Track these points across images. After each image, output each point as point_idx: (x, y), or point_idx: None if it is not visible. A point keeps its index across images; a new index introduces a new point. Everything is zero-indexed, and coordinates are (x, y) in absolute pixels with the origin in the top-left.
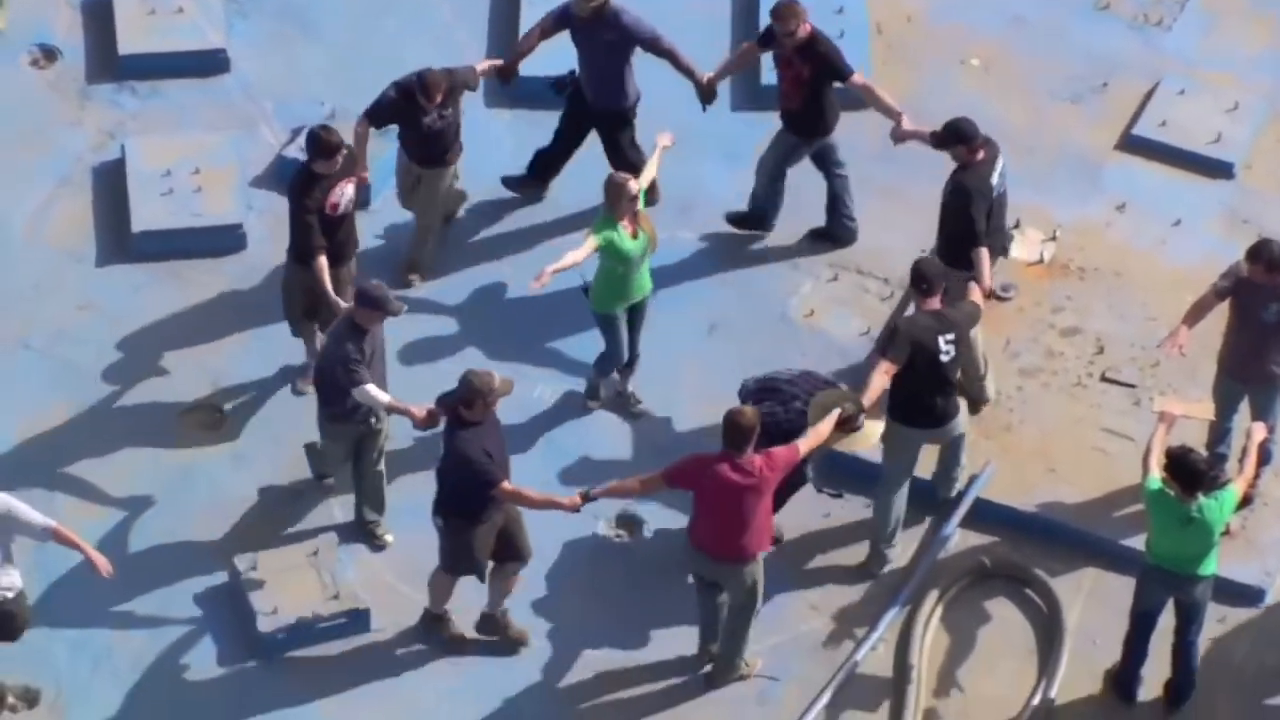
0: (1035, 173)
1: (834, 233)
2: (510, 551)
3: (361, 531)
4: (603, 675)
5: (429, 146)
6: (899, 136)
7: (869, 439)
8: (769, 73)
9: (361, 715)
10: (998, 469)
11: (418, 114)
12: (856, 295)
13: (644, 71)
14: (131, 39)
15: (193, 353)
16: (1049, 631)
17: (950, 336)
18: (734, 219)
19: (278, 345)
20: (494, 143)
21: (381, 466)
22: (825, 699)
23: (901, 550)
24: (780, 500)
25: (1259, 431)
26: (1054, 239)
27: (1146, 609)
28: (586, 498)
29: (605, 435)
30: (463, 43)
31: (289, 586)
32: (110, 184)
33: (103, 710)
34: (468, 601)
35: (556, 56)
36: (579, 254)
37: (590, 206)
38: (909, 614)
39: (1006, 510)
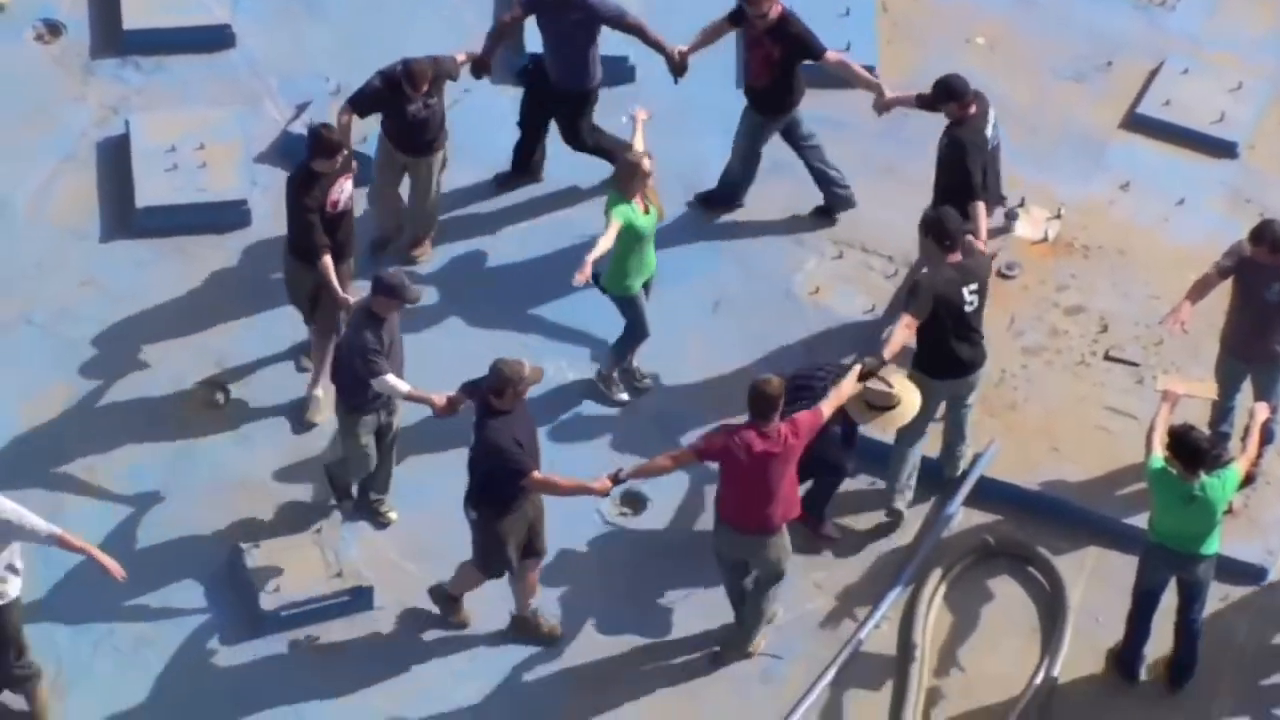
0: (1039, 151)
1: (831, 204)
2: (530, 548)
3: (365, 509)
4: (609, 654)
5: (415, 135)
6: (882, 106)
7: (900, 421)
8: None
9: (365, 692)
10: (1001, 447)
11: (403, 103)
12: (861, 272)
13: (646, 53)
14: (136, 14)
15: (196, 329)
16: (1052, 610)
17: (974, 287)
18: (703, 198)
19: (282, 322)
20: (499, 120)
21: (393, 451)
22: (829, 677)
23: (904, 530)
24: (823, 496)
25: (1262, 411)
26: (1058, 217)
27: (1149, 588)
28: (616, 479)
29: (609, 413)
30: (470, 23)
31: (292, 564)
32: (114, 160)
33: (104, 689)
34: (487, 599)
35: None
36: (609, 239)
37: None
38: (912, 592)
39: (1010, 489)
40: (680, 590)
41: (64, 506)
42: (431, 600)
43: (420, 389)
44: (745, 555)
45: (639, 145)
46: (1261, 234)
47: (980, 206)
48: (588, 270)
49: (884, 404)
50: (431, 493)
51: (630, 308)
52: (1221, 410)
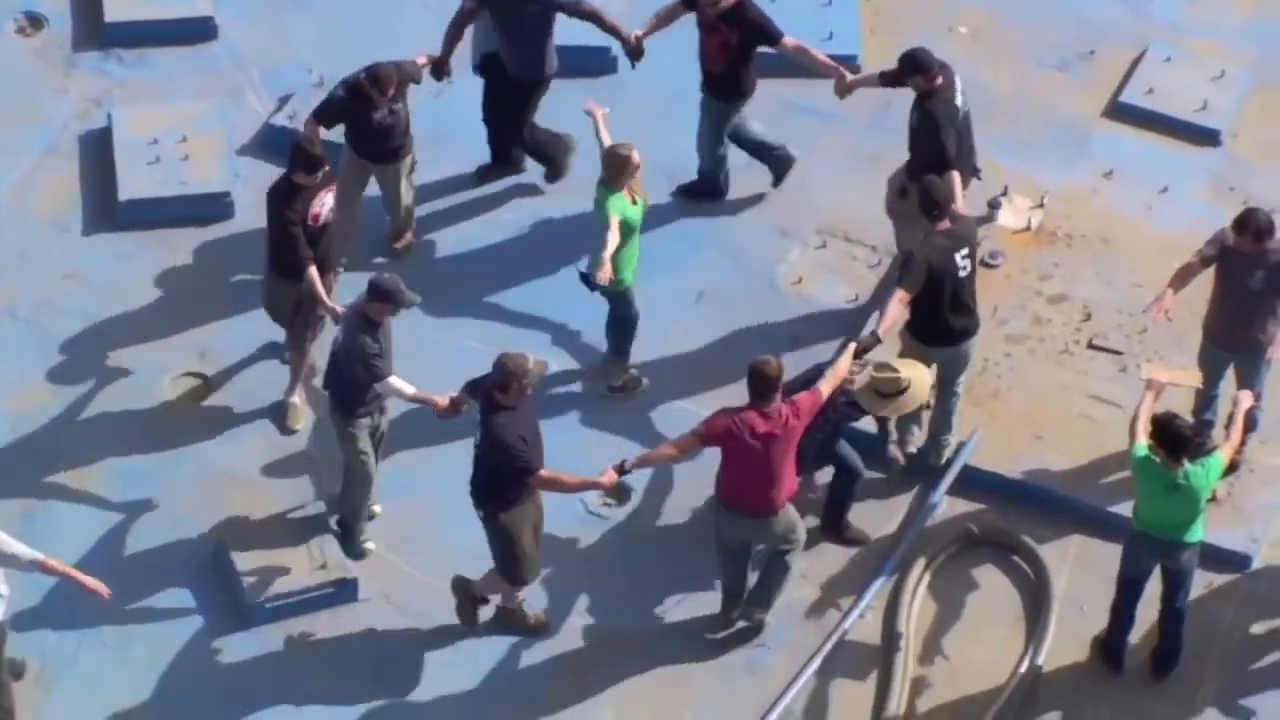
0: (1022, 140)
1: (777, 169)
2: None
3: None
4: (593, 643)
5: (381, 142)
6: (844, 90)
7: (917, 400)
8: None
9: (349, 684)
10: (985, 436)
11: (368, 110)
12: (844, 262)
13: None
14: (118, 6)
15: (179, 322)
16: (1036, 599)
17: (965, 252)
18: (685, 190)
19: (265, 315)
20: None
21: (378, 451)
22: (814, 666)
23: (889, 520)
24: (843, 503)
25: (1245, 399)
26: (1041, 206)
27: (1133, 576)
28: (622, 471)
29: (594, 406)
30: (451, 14)
31: (276, 557)
32: (97, 152)
33: (89, 682)
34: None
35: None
36: (615, 234)
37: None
38: (897, 582)
39: (994, 477)
40: (664, 580)
41: (47, 500)
42: (453, 592)
43: (423, 390)
44: (750, 537)
45: (606, 140)
46: (1245, 223)
47: (955, 176)
48: (609, 269)
49: (895, 389)
50: (414, 484)
51: (624, 301)
52: (1205, 398)
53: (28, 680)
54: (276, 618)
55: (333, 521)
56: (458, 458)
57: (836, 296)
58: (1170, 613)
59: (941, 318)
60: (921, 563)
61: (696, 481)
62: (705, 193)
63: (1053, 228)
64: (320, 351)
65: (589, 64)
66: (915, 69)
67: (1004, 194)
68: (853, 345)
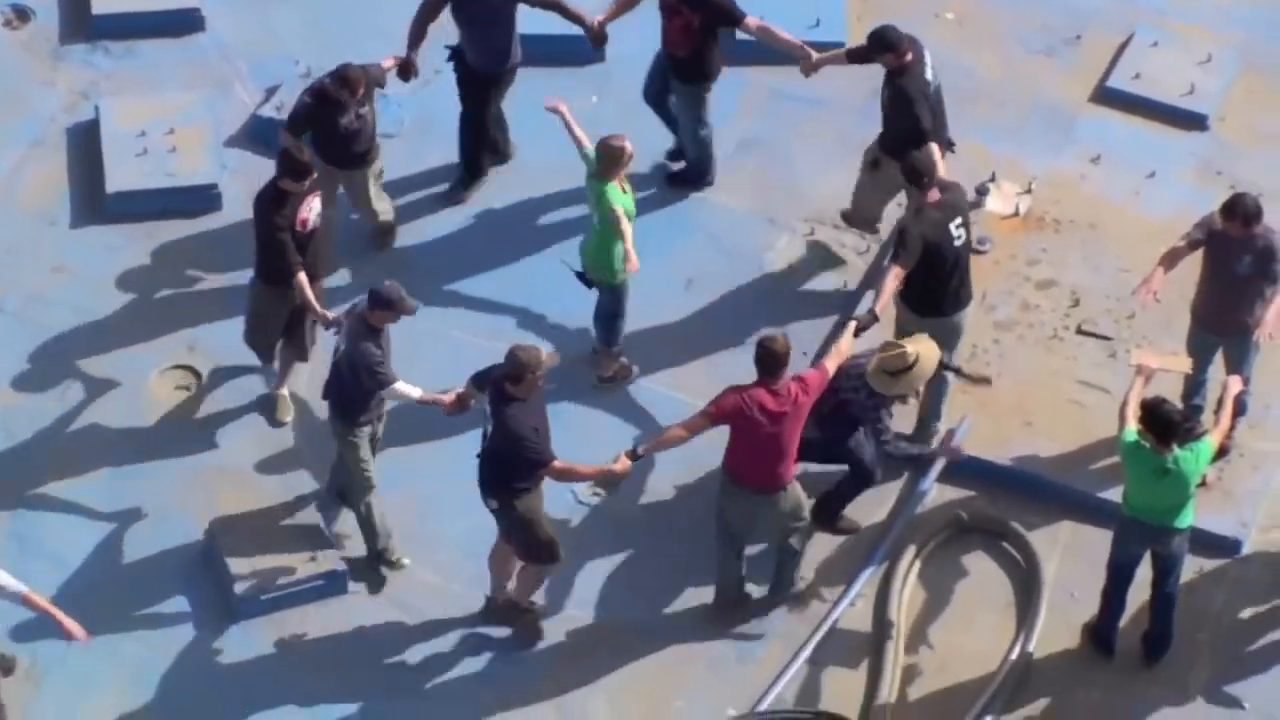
0: (1009, 125)
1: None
2: None
3: (338, 496)
4: (583, 635)
5: (348, 147)
6: (810, 69)
7: (926, 372)
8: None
9: (339, 676)
10: (974, 423)
11: (335, 114)
12: (833, 249)
13: (616, 30)
14: None
15: (168, 315)
16: (1027, 585)
17: (958, 220)
18: (673, 179)
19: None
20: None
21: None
22: (805, 655)
23: (878, 508)
24: (843, 500)
25: (1235, 384)
26: (1029, 192)
27: (1124, 561)
28: (635, 456)
29: (584, 396)
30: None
31: (267, 549)
32: (84, 145)
33: (78, 677)
34: (465, 579)
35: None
36: (627, 225)
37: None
38: (887, 569)
39: (983, 464)
40: (655, 570)
41: (36, 494)
42: (494, 620)
43: (429, 391)
44: (757, 513)
45: (580, 134)
46: (1233, 208)
47: (934, 148)
48: (634, 260)
49: (903, 365)
50: (405, 479)
51: (618, 295)
52: (1194, 383)
53: (17, 676)
54: (266, 610)
55: (324, 522)
56: (449, 452)
57: (825, 283)
58: (1161, 598)
59: (942, 288)
60: (912, 550)
61: (688, 470)
62: (692, 181)
63: (1040, 213)
64: (317, 360)
65: (574, 53)
66: (884, 46)
67: (991, 180)
68: (852, 323)
